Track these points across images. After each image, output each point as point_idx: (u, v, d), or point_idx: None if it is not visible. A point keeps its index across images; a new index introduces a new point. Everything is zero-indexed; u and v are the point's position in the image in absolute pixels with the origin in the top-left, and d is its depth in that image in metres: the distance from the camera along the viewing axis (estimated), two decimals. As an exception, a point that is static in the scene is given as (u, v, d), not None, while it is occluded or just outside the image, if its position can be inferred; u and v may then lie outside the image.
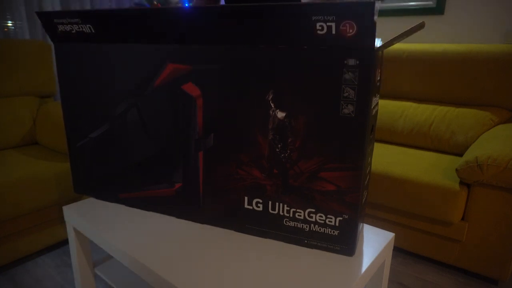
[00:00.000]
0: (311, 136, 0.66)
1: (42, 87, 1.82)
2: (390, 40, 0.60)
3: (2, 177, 1.30)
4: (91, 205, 0.92)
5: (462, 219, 1.35)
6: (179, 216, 0.85)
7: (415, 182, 1.38)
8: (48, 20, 0.82)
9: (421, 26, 0.59)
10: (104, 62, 0.81)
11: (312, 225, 0.72)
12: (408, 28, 0.64)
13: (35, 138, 1.75)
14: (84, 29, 0.79)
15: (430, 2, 1.94)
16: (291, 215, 0.73)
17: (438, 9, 1.92)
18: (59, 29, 0.82)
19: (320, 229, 0.71)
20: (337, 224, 0.69)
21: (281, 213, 0.73)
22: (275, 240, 0.76)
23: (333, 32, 0.58)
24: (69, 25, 0.80)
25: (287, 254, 0.72)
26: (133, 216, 0.86)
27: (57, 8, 2.05)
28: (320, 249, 0.73)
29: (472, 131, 1.64)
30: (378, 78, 0.68)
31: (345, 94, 0.62)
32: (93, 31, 0.78)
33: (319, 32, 0.59)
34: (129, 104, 0.82)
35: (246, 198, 0.75)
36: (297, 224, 0.73)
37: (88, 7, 2.22)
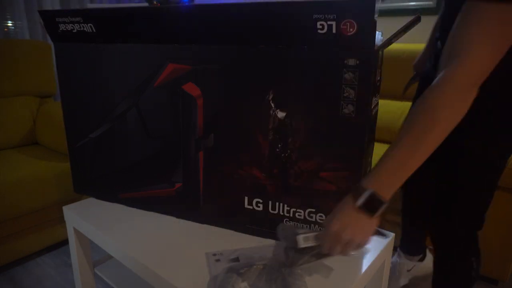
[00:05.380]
0: (311, 136, 0.66)
1: (42, 87, 1.82)
2: (388, 38, 0.60)
3: (2, 177, 1.30)
4: (91, 205, 0.92)
5: (462, 219, 1.34)
6: (179, 216, 0.85)
7: (415, 182, 1.37)
8: (50, 19, 0.82)
9: (417, 19, 0.58)
10: (104, 62, 0.81)
11: (312, 225, 0.72)
12: (404, 24, 0.63)
13: (35, 138, 1.75)
14: (85, 29, 0.79)
15: (430, 2, 1.94)
16: (291, 215, 0.73)
17: (438, 9, 1.92)
18: (60, 28, 0.82)
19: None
20: (337, 224, 0.69)
21: (281, 213, 0.73)
22: (275, 240, 0.76)
23: (334, 31, 0.58)
24: (70, 24, 0.80)
25: (287, 254, 0.72)
26: (133, 216, 0.86)
27: (57, 7, 2.05)
28: (320, 249, 0.73)
29: (472, 131, 1.64)
30: (378, 78, 0.68)
31: (345, 94, 0.62)
32: (94, 30, 0.78)
33: (319, 31, 0.59)
34: (129, 104, 0.82)
35: (246, 198, 0.75)
36: (297, 224, 0.73)
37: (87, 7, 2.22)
